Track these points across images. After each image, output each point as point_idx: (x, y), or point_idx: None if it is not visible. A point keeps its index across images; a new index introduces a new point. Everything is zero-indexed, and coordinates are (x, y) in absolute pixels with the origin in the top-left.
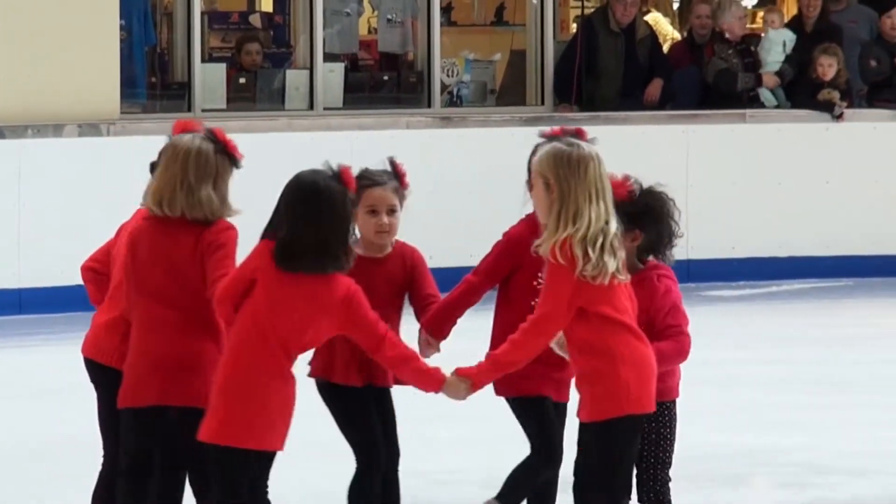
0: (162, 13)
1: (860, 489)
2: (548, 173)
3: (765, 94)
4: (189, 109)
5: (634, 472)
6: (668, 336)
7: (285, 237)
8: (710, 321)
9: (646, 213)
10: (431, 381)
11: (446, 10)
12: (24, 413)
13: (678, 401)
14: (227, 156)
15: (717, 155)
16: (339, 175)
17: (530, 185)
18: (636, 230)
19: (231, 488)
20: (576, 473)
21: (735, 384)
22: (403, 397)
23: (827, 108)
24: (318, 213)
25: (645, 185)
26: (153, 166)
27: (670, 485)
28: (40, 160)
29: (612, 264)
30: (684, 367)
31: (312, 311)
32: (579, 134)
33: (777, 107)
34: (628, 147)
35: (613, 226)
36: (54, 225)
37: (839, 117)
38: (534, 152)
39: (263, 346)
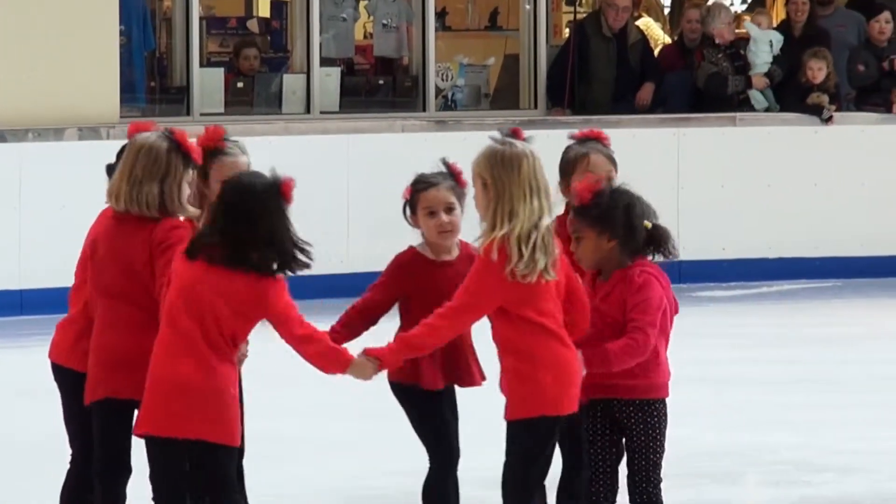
0: (161, 18)
1: (849, 487)
2: (484, 173)
3: (755, 96)
4: (188, 113)
5: (625, 474)
6: (628, 331)
7: (204, 229)
8: (700, 321)
9: (605, 215)
10: (337, 361)
11: (441, 15)
12: (25, 412)
13: (668, 401)
14: (182, 155)
15: (708, 157)
16: (279, 183)
17: None
18: (606, 232)
19: (155, 477)
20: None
21: (725, 384)
22: None
23: (816, 111)
24: (243, 211)
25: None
26: (110, 168)
27: (661, 484)
28: (41, 163)
29: (542, 261)
30: (675, 367)
31: (236, 305)
32: (515, 133)
33: (767, 109)
34: (620, 150)
35: (546, 222)
36: (55, 227)
37: (828, 120)
38: (568, 151)
39: (179, 336)
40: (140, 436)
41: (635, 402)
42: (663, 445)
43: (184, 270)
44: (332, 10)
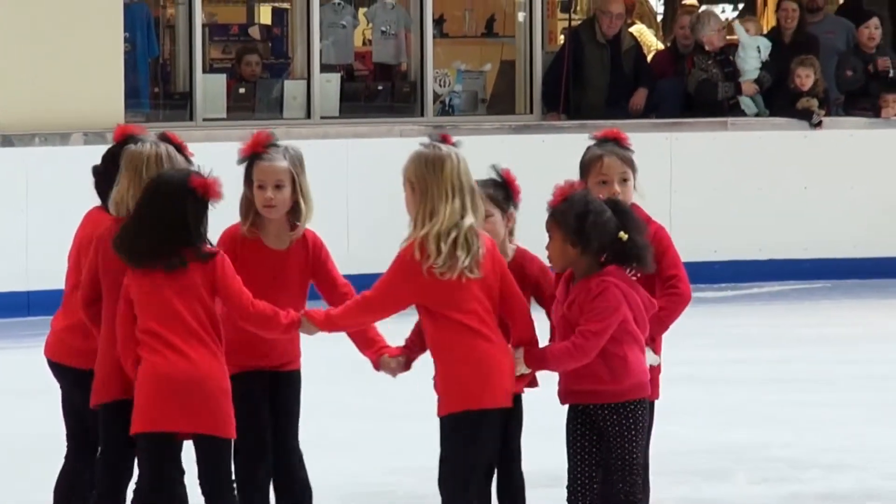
0: (164, 26)
1: (835, 483)
2: (411, 177)
3: (745, 102)
4: (191, 118)
5: (601, 475)
6: (575, 335)
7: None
8: (692, 322)
9: (560, 219)
10: (292, 325)
11: (438, 22)
12: (33, 410)
13: (660, 400)
14: (183, 154)
15: (700, 161)
16: (189, 178)
17: None
18: (569, 238)
19: (150, 475)
20: None
21: (717, 383)
22: (404, 398)
23: (805, 116)
24: (153, 212)
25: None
26: (97, 170)
27: (652, 482)
28: (47, 167)
29: (463, 259)
30: (667, 366)
31: (202, 294)
32: (444, 139)
33: (756, 114)
34: None
35: (469, 221)
36: (61, 229)
37: (817, 125)
38: (586, 152)
39: (160, 338)
40: (135, 434)
41: (610, 406)
42: (641, 445)
43: (140, 281)
44: (332, 18)
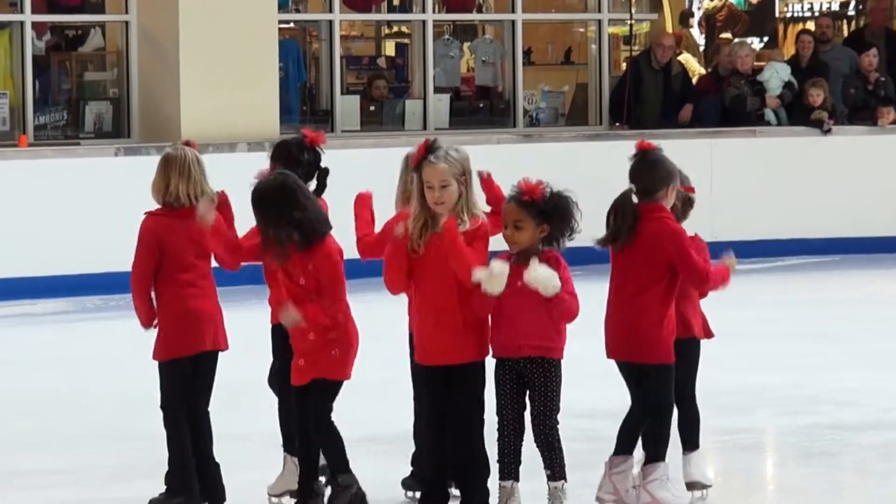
0: (311, 57)
1: (843, 416)
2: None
3: (769, 114)
4: (332, 130)
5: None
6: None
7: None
8: (730, 289)
9: (554, 212)
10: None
11: (527, 53)
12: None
13: (704, 344)
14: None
15: (735, 162)
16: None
17: None
18: (545, 224)
19: (327, 414)
20: None
21: (749, 336)
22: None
23: (817, 125)
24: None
25: (555, 189)
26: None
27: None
28: (217, 171)
29: None
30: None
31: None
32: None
33: (779, 124)
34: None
35: None
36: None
37: (827, 132)
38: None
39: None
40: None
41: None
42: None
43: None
44: (443, 50)
